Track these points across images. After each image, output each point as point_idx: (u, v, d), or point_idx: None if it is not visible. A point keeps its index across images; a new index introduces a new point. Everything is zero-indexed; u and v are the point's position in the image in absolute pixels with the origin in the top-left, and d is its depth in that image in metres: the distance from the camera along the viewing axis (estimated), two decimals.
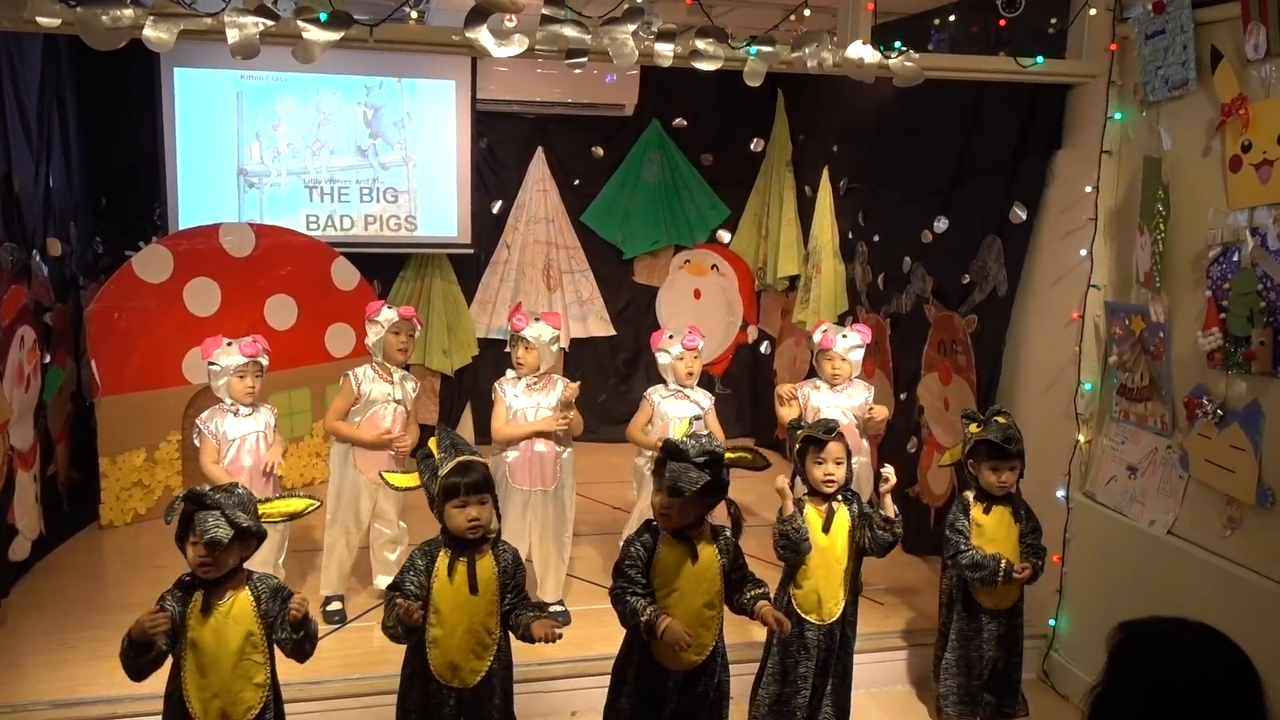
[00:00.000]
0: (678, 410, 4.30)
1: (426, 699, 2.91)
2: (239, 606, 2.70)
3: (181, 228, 5.77)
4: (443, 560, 2.89)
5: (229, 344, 3.91)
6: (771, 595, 3.13)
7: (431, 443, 2.99)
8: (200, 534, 2.57)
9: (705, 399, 4.39)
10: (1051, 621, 3.98)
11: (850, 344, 4.29)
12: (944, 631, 3.69)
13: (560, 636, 2.87)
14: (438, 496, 2.88)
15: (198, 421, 3.90)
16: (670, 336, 4.38)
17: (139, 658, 2.60)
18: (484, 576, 2.90)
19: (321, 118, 6.16)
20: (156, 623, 2.57)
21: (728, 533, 3.07)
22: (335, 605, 4.16)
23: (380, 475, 3.45)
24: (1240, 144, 3.11)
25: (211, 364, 3.89)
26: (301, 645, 2.73)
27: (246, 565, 3.00)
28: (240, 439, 3.88)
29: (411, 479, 3.06)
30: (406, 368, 4.26)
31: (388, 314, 4.10)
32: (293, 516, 2.89)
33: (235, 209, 6.03)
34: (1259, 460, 3.06)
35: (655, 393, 4.39)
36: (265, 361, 3.97)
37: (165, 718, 2.75)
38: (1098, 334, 3.85)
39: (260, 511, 2.74)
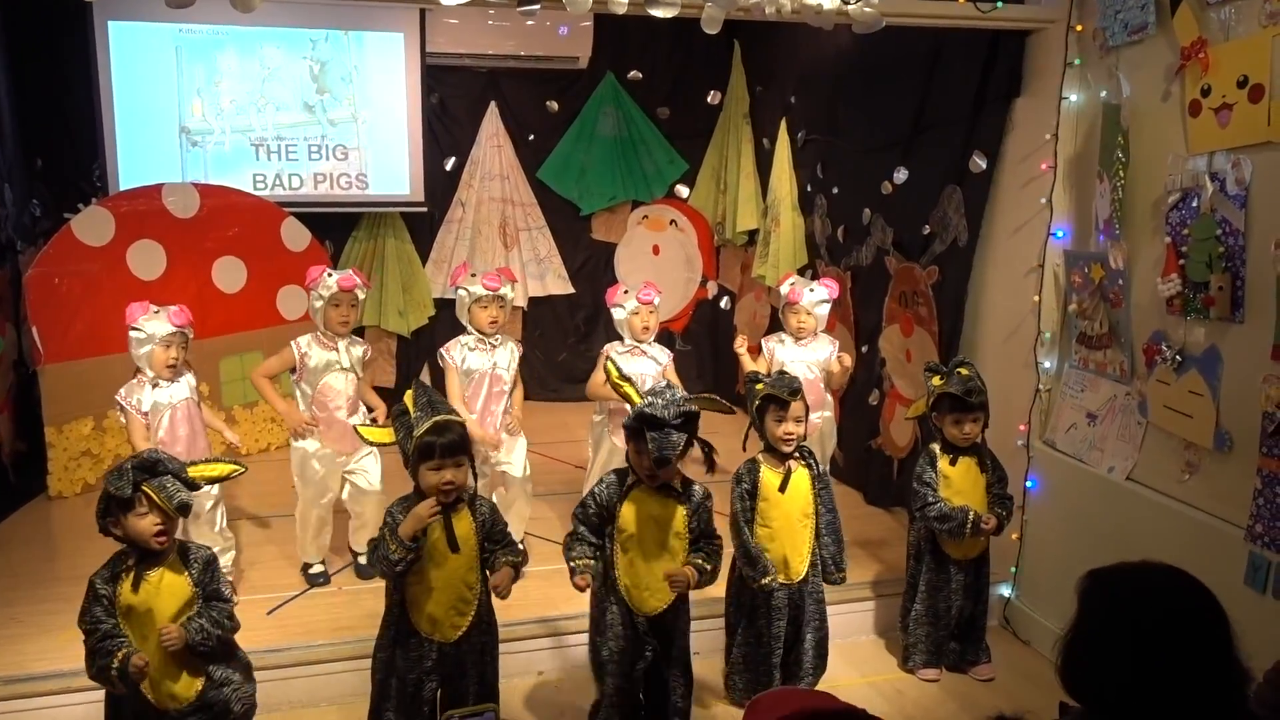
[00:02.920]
0: (635, 367, 4.25)
1: (407, 653, 2.88)
2: (169, 578, 2.64)
3: (122, 188, 5.59)
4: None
5: (156, 311, 3.72)
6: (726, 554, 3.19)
7: (407, 398, 2.90)
8: (166, 500, 2.51)
9: (663, 354, 4.35)
10: (1013, 569, 4.02)
11: (817, 298, 4.26)
12: (912, 583, 3.71)
13: (503, 594, 2.87)
14: (413, 455, 2.82)
15: (117, 398, 3.71)
16: (625, 291, 4.32)
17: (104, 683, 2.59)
18: (463, 533, 2.87)
19: (266, 73, 5.97)
20: (142, 671, 2.54)
21: (697, 489, 3.10)
22: (317, 568, 4.11)
23: (354, 428, 3.37)
24: (1200, 88, 3.09)
25: (135, 330, 3.68)
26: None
27: (194, 532, 2.91)
28: (170, 409, 3.73)
29: (385, 434, 2.98)
30: (361, 331, 4.17)
31: (327, 284, 3.96)
32: (220, 479, 2.79)
33: (178, 168, 5.85)
34: (1216, 405, 3.09)
35: (612, 349, 4.34)
36: (190, 334, 3.81)
37: (116, 708, 2.68)
38: (1057, 282, 3.85)
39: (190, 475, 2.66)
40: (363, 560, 4.17)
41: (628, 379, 3.18)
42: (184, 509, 2.55)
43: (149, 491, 2.52)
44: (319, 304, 3.99)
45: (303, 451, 4.04)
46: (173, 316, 3.71)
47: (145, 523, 2.55)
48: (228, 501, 4.07)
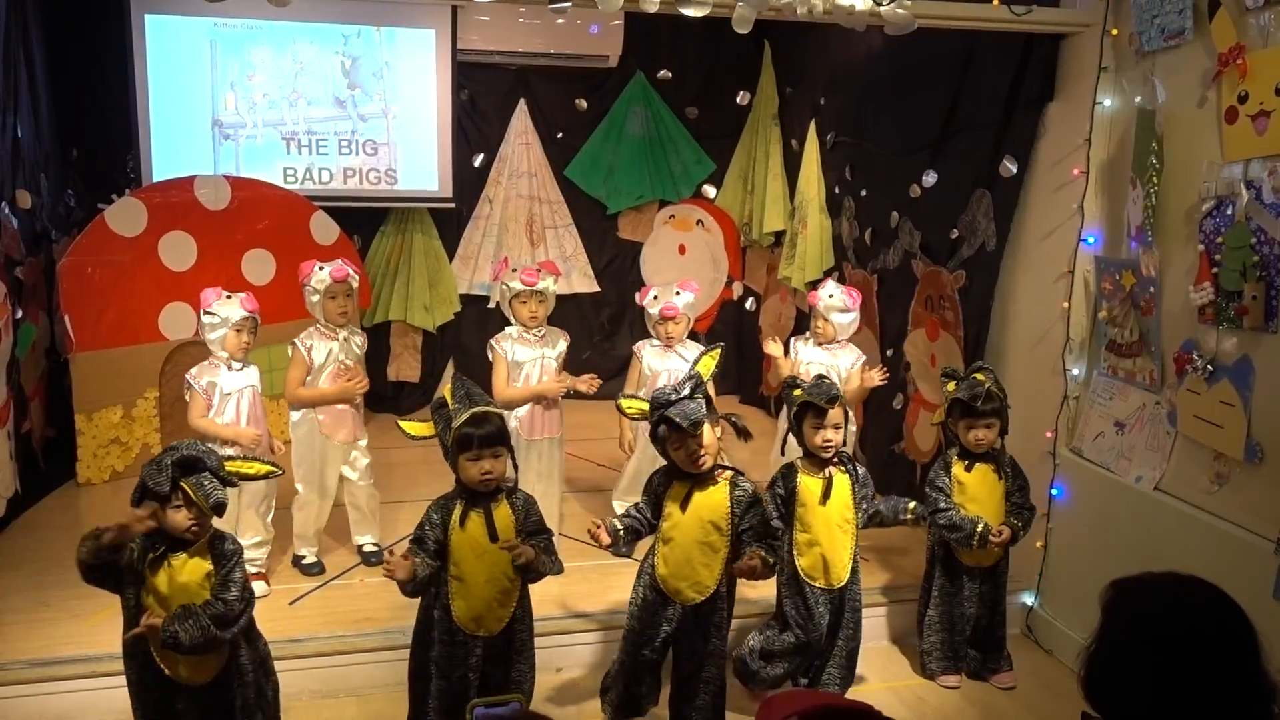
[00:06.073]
0: (665, 364, 4.27)
1: (450, 650, 2.89)
2: (191, 564, 2.66)
3: (155, 180, 5.65)
4: (459, 512, 2.87)
5: (228, 296, 3.82)
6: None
7: (446, 391, 2.92)
8: (203, 499, 2.54)
9: (695, 353, 4.31)
10: (1036, 577, 3.98)
11: (833, 305, 4.21)
12: (927, 588, 3.70)
13: (517, 554, 2.85)
14: (451, 447, 2.84)
15: (187, 377, 3.81)
16: (654, 296, 4.31)
17: (101, 557, 2.55)
18: (502, 525, 2.88)
19: (298, 68, 6.01)
20: (133, 531, 2.54)
21: (747, 485, 3.10)
22: (310, 559, 4.14)
23: (397, 424, 3.40)
24: (1237, 95, 3.05)
25: (209, 314, 3.78)
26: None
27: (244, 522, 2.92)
28: (237, 393, 3.82)
29: (425, 427, 2.99)
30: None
31: (320, 277, 3.98)
32: (255, 478, 2.83)
33: (211, 161, 5.91)
34: (1248, 416, 3.04)
35: (644, 348, 4.35)
36: (259, 320, 3.89)
37: (139, 681, 2.70)
38: (1087, 289, 3.82)
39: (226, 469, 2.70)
40: (367, 548, 4.24)
41: (636, 399, 3.33)
42: (219, 508, 2.59)
43: (186, 488, 2.56)
44: (315, 298, 4.02)
45: (304, 444, 4.07)
46: (244, 302, 3.80)
47: (180, 516, 2.59)
48: None
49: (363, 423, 4.18)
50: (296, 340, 4.06)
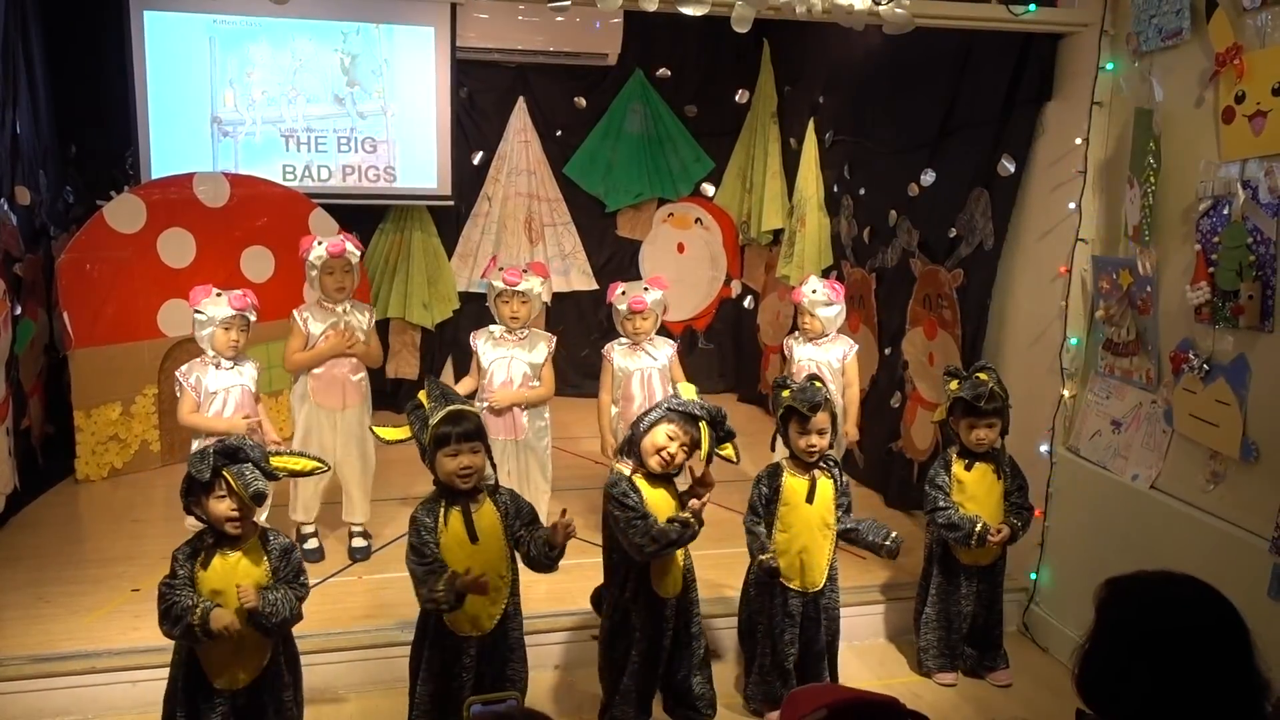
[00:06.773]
0: (634, 363, 4.27)
1: (443, 653, 2.90)
2: (247, 562, 2.69)
3: (154, 177, 5.65)
4: (441, 513, 2.87)
5: (218, 294, 3.83)
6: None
7: (421, 394, 2.94)
8: (242, 488, 2.56)
9: (664, 351, 4.32)
10: (1033, 575, 4.00)
11: (817, 300, 4.25)
12: (924, 585, 3.71)
13: (573, 531, 2.88)
14: (429, 446, 2.84)
15: (177, 374, 3.84)
16: (622, 293, 4.29)
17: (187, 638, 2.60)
18: (487, 524, 2.89)
19: (297, 64, 6.01)
20: (228, 629, 2.57)
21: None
22: (312, 544, 4.16)
23: (370, 429, 3.40)
24: (1234, 94, 3.06)
25: (198, 312, 3.80)
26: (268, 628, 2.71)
27: None
28: (224, 391, 3.82)
29: (402, 431, 3.00)
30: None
31: (318, 252, 4.01)
32: (301, 474, 2.83)
33: (209, 158, 5.91)
34: (1244, 415, 3.05)
35: (612, 349, 4.33)
36: (253, 317, 3.90)
37: (179, 680, 2.71)
38: (1085, 288, 3.83)
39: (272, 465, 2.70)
40: (356, 543, 4.25)
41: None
42: (259, 498, 2.60)
43: (227, 477, 2.58)
44: (313, 273, 4.06)
45: (302, 415, 4.12)
46: (233, 300, 3.81)
47: (222, 506, 2.61)
48: None
49: (361, 395, 4.18)
50: (295, 311, 4.11)
